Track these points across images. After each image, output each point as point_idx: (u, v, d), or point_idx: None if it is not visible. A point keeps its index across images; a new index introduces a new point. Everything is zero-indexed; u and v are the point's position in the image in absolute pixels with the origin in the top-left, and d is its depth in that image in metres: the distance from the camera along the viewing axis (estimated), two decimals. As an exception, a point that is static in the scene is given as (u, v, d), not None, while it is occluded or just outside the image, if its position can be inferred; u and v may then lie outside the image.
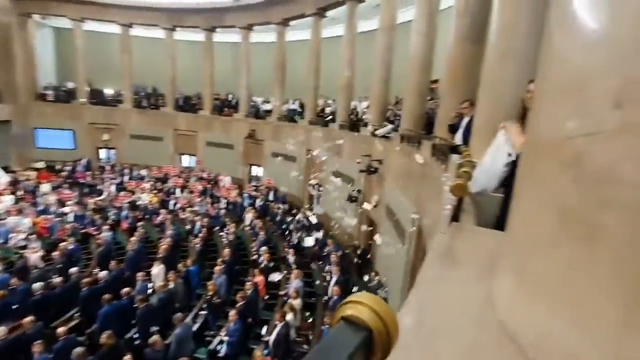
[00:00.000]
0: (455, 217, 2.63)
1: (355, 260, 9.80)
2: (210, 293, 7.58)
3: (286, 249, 10.34)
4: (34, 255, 9.69)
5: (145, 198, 14.68)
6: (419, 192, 6.47)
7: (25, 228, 11.55)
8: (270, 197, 14.79)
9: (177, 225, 12.32)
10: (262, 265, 9.04)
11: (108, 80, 20.51)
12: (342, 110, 13.42)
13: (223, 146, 18.32)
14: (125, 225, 12.51)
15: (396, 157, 8.72)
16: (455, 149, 4.87)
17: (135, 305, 6.81)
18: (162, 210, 13.38)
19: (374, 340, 0.53)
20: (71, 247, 9.96)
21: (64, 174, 17.58)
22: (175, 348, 5.97)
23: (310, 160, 14.45)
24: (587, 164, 0.98)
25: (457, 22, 6.54)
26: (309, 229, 11.23)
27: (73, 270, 8.43)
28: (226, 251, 9.48)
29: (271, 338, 6.25)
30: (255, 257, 9.96)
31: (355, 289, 7.96)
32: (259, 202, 14.28)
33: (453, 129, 5.72)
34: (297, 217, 12.31)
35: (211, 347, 6.58)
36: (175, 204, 14.42)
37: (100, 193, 15.78)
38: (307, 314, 7.58)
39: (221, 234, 11.76)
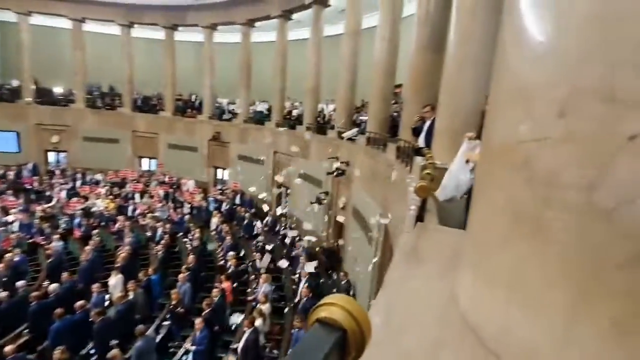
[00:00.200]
0: (420, 217, 2.74)
1: (324, 261, 9.86)
2: (173, 302, 7.30)
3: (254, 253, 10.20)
4: (-27, 269, 8.76)
5: (101, 204, 13.77)
6: (385, 193, 6.65)
7: (-38, 239, 10.45)
8: (237, 200, 14.53)
9: (136, 232, 11.70)
10: (230, 270, 8.86)
11: (58, 78, 19.09)
12: (309, 112, 13.48)
13: (186, 149, 17.69)
14: (78, 233, 11.69)
15: (363, 159, 8.89)
16: (418, 151, 5.08)
17: (91, 319, 6.39)
18: (120, 217, 12.64)
19: (348, 339, 0.55)
20: (17, 258, 9.15)
21: (7, 179, 16.13)
22: (136, 362, 5.67)
23: (277, 162, 14.37)
24: (536, 167, 1.06)
25: (418, 30, 6.81)
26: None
27: (20, 283, 7.76)
28: (190, 257, 9.16)
29: (240, 345, 6.13)
30: (222, 262, 9.73)
31: (324, 289, 8.00)
32: (225, 206, 13.98)
33: (416, 132, 5.95)
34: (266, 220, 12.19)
35: (176, 358, 6.33)
36: (134, 210, 13.71)
37: (49, 199, 14.61)
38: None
39: (185, 240, 11.36)
